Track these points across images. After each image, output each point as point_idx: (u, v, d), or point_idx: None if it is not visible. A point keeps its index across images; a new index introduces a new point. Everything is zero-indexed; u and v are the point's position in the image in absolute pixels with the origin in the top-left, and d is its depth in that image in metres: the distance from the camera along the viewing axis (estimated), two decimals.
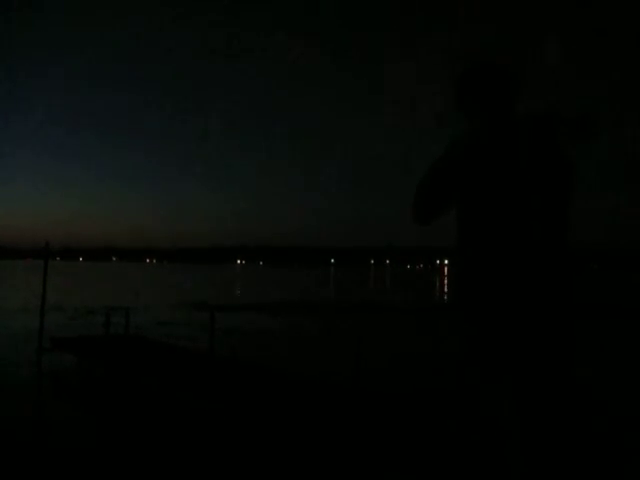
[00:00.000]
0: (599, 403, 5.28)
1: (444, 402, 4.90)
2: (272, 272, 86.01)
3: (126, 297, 20.96)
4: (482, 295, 1.74)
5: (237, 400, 5.13)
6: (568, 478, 1.64)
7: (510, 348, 1.68)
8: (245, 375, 5.80)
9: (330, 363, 7.97)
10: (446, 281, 53.47)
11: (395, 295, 31.06)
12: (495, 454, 1.72)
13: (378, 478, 3.54)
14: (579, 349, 1.73)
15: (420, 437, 3.96)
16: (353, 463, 3.77)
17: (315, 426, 4.37)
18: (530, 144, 1.69)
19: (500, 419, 1.73)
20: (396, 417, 4.36)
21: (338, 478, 3.58)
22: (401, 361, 8.59)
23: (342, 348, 8.90)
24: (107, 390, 6.13)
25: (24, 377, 6.74)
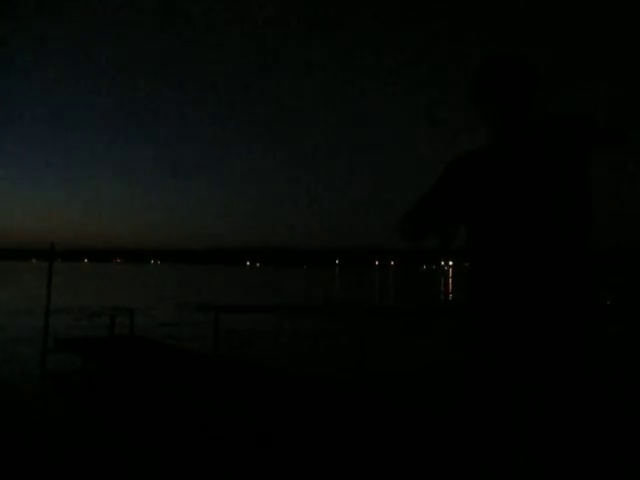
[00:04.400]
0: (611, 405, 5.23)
1: (448, 406, 4.86)
2: (277, 273, 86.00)
3: (130, 298, 20.97)
4: (495, 301, 1.71)
5: (242, 401, 5.11)
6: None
7: (525, 352, 1.65)
8: (250, 376, 5.78)
9: (335, 365, 7.94)
10: (450, 282, 53.33)
11: (399, 296, 30.98)
12: (502, 459, 1.70)
13: None
14: (593, 351, 1.70)
15: (424, 441, 3.92)
16: (356, 466, 3.74)
17: (319, 428, 4.34)
18: (554, 146, 1.64)
19: (511, 423, 1.70)
20: (400, 421, 4.33)
21: None
22: (404, 362, 8.55)
23: (346, 350, 8.87)
24: (112, 391, 6.11)
25: (28, 378, 6.74)
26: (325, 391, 5.16)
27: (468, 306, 1.83)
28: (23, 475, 3.59)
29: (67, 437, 4.42)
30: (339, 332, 12.28)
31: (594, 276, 1.73)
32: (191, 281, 46.86)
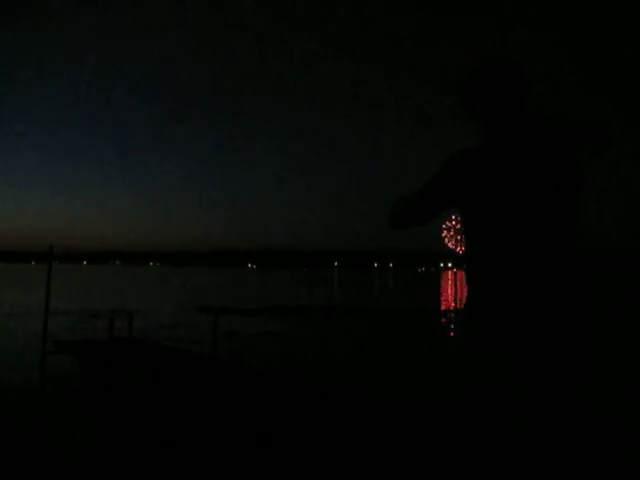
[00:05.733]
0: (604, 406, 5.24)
1: (449, 407, 4.87)
2: (276, 275, 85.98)
3: (130, 300, 20.97)
4: (493, 301, 1.72)
5: (240, 404, 5.12)
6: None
7: (522, 353, 1.66)
8: (249, 379, 5.78)
9: (334, 367, 7.95)
10: (450, 284, 53.36)
11: (398, 298, 31.01)
12: (503, 461, 1.70)
13: None
14: (590, 354, 1.72)
15: (424, 443, 3.93)
16: (356, 469, 3.74)
17: (318, 430, 4.35)
18: (542, 148, 1.66)
19: (512, 425, 1.71)
20: (400, 423, 4.33)
21: None
22: (405, 364, 8.55)
23: (346, 351, 8.87)
24: (111, 394, 6.11)
25: (28, 380, 6.73)
26: (324, 393, 5.16)
27: (466, 306, 1.85)
28: (23, 477, 3.59)
29: (66, 439, 4.42)
30: (338, 334, 12.30)
31: (587, 277, 1.75)
32: (190, 283, 46.84)
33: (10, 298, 21.70)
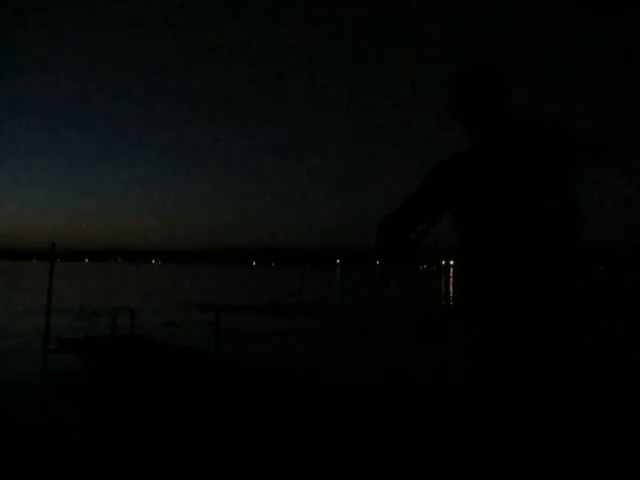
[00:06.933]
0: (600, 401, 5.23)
1: (450, 405, 4.85)
2: (278, 274, 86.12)
3: (132, 298, 21.01)
4: (489, 299, 1.74)
5: (243, 402, 5.11)
6: (574, 473, 1.65)
7: (520, 348, 1.68)
8: (251, 377, 5.78)
9: (336, 365, 7.95)
10: (451, 281, 53.41)
11: (400, 295, 31.04)
12: (503, 455, 1.70)
13: None
14: (586, 348, 1.73)
15: (425, 442, 3.92)
16: (357, 468, 3.74)
17: (320, 430, 4.34)
18: (533, 148, 1.68)
19: (511, 416, 1.71)
20: (401, 421, 4.33)
21: None
22: (406, 363, 8.55)
23: (348, 349, 8.89)
24: (113, 391, 6.11)
25: (30, 377, 6.74)
26: (326, 391, 5.16)
27: (463, 304, 1.87)
28: (25, 476, 3.59)
29: (69, 437, 4.42)
30: (340, 331, 12.30)
31: (584, 275, 1.77)
32: (193, 281, 46.92)
33: (12, 296, 21.74)
